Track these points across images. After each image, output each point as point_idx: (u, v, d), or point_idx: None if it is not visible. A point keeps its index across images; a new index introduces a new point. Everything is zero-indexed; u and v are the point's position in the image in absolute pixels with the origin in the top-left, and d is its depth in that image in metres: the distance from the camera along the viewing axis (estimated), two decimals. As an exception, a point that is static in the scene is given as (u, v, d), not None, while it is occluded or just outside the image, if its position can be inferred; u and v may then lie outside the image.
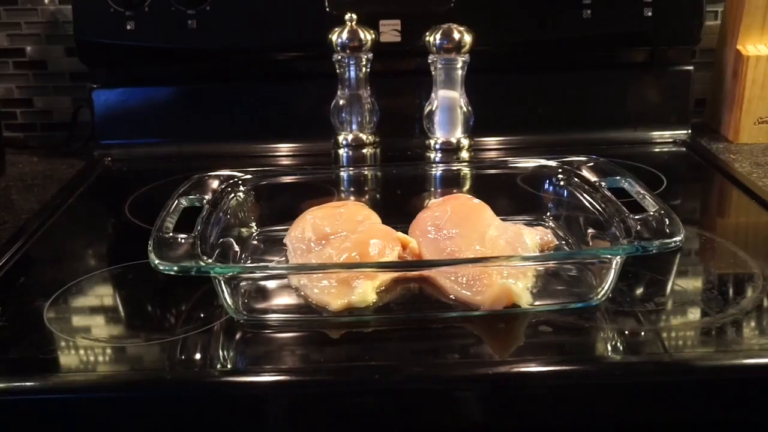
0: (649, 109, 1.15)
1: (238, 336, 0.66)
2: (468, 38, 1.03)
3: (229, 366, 0.63)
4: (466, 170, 0.95)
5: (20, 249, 0.83)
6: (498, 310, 0.67)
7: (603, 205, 0.75)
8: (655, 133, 1.15)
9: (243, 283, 0.71)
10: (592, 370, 0.62)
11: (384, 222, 0.80)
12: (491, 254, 0.72)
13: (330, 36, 1.05)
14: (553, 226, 0.84)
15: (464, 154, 1.08)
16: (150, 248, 0.65)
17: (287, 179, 0.88)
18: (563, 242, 0.80)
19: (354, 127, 1.09)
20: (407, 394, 0.61)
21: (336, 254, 0.72)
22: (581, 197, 0.79)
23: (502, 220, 0.78)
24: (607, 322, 0.67)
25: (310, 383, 0.61)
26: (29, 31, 1.23)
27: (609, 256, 0.68)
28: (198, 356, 0.64)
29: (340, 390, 0.61)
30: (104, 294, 0.75)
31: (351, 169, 1.03)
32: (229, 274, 0.67)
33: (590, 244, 0.76)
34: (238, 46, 1.12)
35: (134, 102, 1.15)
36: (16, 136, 1.26)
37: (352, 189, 0.93)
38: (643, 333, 0.65)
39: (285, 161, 1.14)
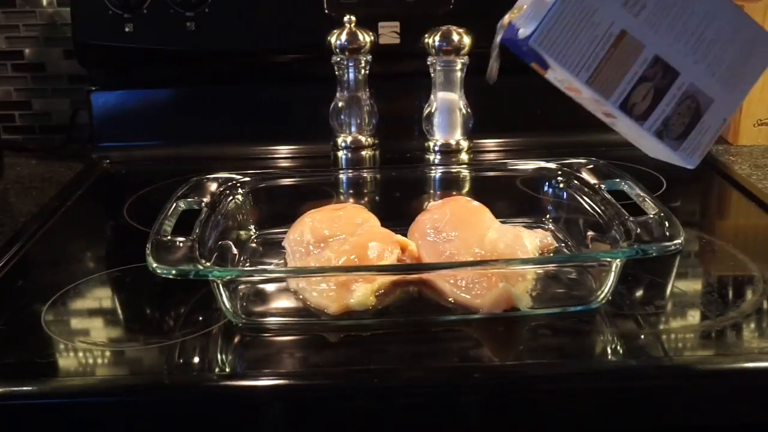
0: (649, 111, 1.15)
1: (236, 339, 0.66)
2: (467, 40, 1.03)
3: (227, 370, 0.63)
4: (465, 172, 0.95)
5: (18, 252, 0.83)
6: (497, 313, 0.67)
7: (603, 208, 0.75)
8: (655, 135, 1.15)
9: (241, 287, 0.70)
10: (591, 373, 0.62)
11: (383, 224, 0.79)
12: (491, 257, 0.72)
13: (329, 38, 1.05)
14: (552, 228, 0.84)
15: (463, 156, 1.08)
16: (148, 251, 0.65)
17: (286, 182, 0.88)
18: (563, 245, 0.80)
19: (353, 129, 1.09)
20: (406, 398, 0.61)
21: (335, 257, 0.72)
22: (581, 200, 0.79)
23: (502, 222, 0.78)
24: (607, 325, 0.67)
25: (309, 387, 0.61)
26: (28, 33, 1.22)
27: (609, 259, 0.67)
28: (196, 360, 0.63)
29: (339, 394, 0.61)
30: (102, 297, 0.75)
31: (350, 171, 1.03)
32: (228, 277, 0.67)
33: (590, 246, 0.76)
34: (236, 48, 1.12)
35: (133, 104, 1.15)
36: (15, 138, 1.26)
37: (351, 191, 0.92)
38: (642, 336, 0.65)
39: (284, 163, 1.14)
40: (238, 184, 0.83)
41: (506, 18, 0.64)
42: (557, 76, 0.62)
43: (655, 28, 0.60)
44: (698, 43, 0.61)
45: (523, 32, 0.60)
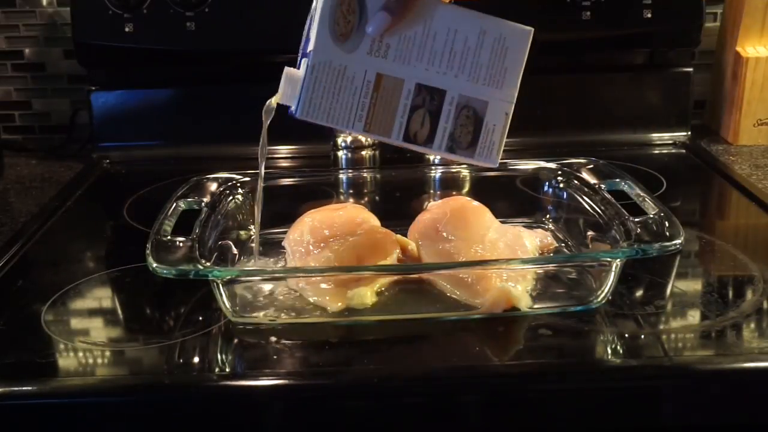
0: (649, 111, 1.15)
1: (236, 339, 0.66)
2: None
3: (227, 369, 0.63)
4: (465, 172, 0.94)
5: (18, 252, 0.83)
6: (497, 313, 0.67)
7: (603, 208, 0.75)
8: (655, 135, 1.15)
9: (241, 287, 0.70)
10: (591, 373, 0.62)
11: (383, 225, 0.79)
12: (490, 257, 0.72)
13: (329, 38, 1.05)
14: (552, 228, 0.84)
15: (463, 156, 1.08)
16: (148, 251, 0.65)
17: (286, 182, 0.88)
18: (563, 245, 0.80)
19: (353, 129, 1.09)
20: (406, 398, 0.61)
21: (335, 257, 0.72)
22: (581, 199, 0.79)
23: (502, 222, 0.78)
24: (607, 325, 0.67)
25: (309, 387, 0.61)
26: (28, 33, 1.22)
27: (609, 259, 0.67)
28: (196, 360, 0.63)
29: (339, 394, 0.61)
30: (102, 297, 0.75)
31: (350, 171, 1.03)
32: (228, 277, 0.67)
33: (590, 246, 0.76)
34: (236, 48, 1.12)
35: (133, 104, 1.15)
36: (15, 138, 1.26)
37: (351, 191, 0.92)
38: (642, 336, 0.65)
39: (284, 163, 1.13)
40: (238, 184, 0.83)
41: (273, 100, 0.68)
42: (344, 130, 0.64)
43: (407, 61, 0.63)
44: (451, 60, 0.63)
45: (292, 109, 0.65)
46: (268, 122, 0.71)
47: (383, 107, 0.63)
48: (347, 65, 0.63)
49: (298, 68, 0.65)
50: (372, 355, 0.64)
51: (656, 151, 1.14)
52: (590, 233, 0.76)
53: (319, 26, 0.62)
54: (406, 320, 0.69)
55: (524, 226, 0.82)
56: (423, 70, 0.63)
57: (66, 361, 0.64)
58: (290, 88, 0.64)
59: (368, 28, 0.62)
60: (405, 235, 0.78)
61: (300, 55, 0.66)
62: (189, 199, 0.77)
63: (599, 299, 0.68)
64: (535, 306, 0.68)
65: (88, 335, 0.67)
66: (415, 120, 0.64)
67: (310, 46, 0.63)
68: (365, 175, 0.98)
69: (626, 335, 0.65)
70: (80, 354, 0.65)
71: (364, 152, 1.09)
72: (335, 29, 0.62)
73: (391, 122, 0.64)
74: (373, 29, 0.62)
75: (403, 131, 0.64)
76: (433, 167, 0.99)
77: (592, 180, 0.80)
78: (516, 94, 0.66)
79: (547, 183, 0.85)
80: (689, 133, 1.15)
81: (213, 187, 0.81)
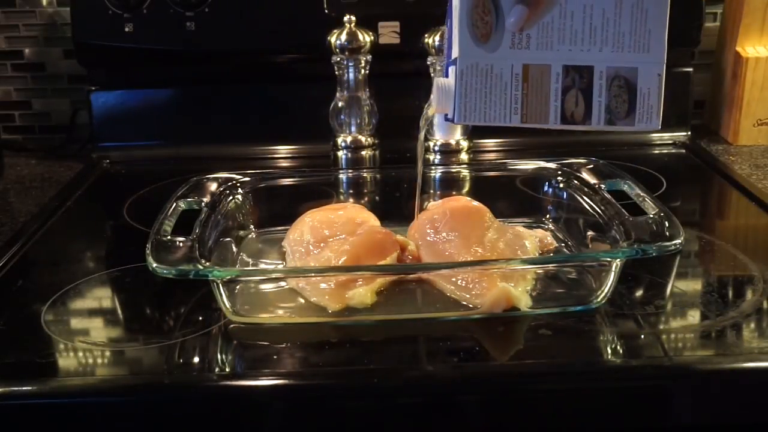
0: (649, 111, 1.15)
1: (236, 339, 0.66)
2: (467, 40, 1.03)
3: (227, 369, 0.63)
4: (465, 172, 0.95)
5: (18, 252, 0.83)
6: (497, 313, 0.67)
7: (603, 208, 0.75)
8: (655, 135, 1.15)
9: (241, 286, 0.70)
10: (591, 373, 0.62)
11: (383, 224, 0.79)
12: (490, 257, 0.72)
13: (329, 38, 1.05)
14: (552, 228, 0.84)
15: (463, 156, 1.08)
16: (148, 251, 0.65)
17: (286, 182, 0.88)
18: (563, 245, 0.80)
19: (353, 129, 1.09)
20: (406, 398, 0.61)
21: (334, 257, 0.72)
22: (581, 199, 0.79)
23: (502, 222, 0.78)
24: (607, 325, 0.67)
25: (309, 387, 0.61)
26: (27, 33, 1.22)
27: (609, 259, 0.67)
28: (196, 360, 0.63)
29: (339, 394, 0.61)
30: (102, 297, 0.75)
31: (350, 171, 1.03)
32: (228, 277, 0.67)
33: (590, 246, 0.76)
34: (236, 48, 1.12)
35: (132, 104, 1.15)
36: (14, 138, 1.26)
37: (350, 191, 0.92)
38: (642, 336, 0.65)
39: (284, 163, 1.14)
40: (238, 184, 0.83)
41: (429, 112, 0.73)
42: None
43: (549, 47, 0.64)
44: (592, 35, 0.63)
45: (450, 116, 0.66)
46: (424, 130, 0.78)
47: (536, 96, 0.64)
48: (493, 63, 0.64)
49: (445, 76, 0.66)
50: (372, 355, 0.64)
51: (656, 151, 1.14)
52: (590, 233, 0.76)
53: (460, 32, 0.63)
54: (406, 320, 0.69)
55: (524, 226, 0.82)
56: (567, 52, 0.64)
57: (66, 361, 0.64)
58: (444, 97, 0.66)
59: (507, 23, 0.63)
60: (405, 235, 0.78)
61: (445, 64, 0.68)
62: (189, 199, 0.77)
63: (599, 299, 0.68)
64: (535, 306, 0.68)
65: (88, 335, 0.67)
66: (569, 101, 0.64)
67: (455, 53, 0.64)
68: (365, 175, 0.98)
69: (626, 335, 0.65)
70: (80, 354, 0.65)
71: (364, 152, 1.09)
72: (475, 32, 0.63)
73: (546, 108, 0.64)
74: (512, 23, 0.63)
75: (559, 115, 0.65)
76: (433, 167, 0.99)
77: (592, 180, 0.80)
78: (665, 54, 0.65)
79: (547, 183, 0.85)
80: (689, 133, 1.15)
81: (213, 187, 0.81)
